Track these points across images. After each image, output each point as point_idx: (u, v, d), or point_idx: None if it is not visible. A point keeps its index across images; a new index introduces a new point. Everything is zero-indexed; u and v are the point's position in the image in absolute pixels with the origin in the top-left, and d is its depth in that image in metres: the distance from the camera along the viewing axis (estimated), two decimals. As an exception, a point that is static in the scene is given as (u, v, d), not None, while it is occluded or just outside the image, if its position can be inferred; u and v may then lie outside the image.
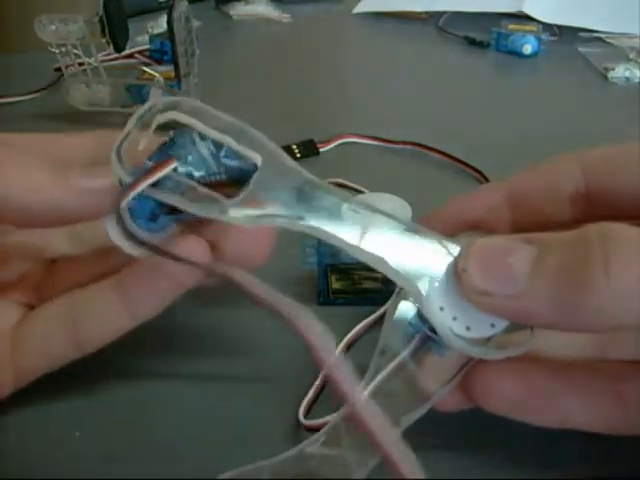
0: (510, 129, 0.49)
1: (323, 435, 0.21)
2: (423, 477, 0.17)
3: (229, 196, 0.20)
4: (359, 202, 0.20)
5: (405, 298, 0.21)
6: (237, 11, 0.79)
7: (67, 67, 0.49)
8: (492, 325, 0.19)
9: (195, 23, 0.50)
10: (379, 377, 0.21)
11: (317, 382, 0.25)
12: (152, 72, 0.51)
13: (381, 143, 0.46)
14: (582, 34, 0.69)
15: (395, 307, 0.21)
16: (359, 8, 0.79)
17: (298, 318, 0.18)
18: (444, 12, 0.75)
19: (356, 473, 0.21)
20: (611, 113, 0.52)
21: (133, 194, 0.20)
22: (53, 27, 0.46)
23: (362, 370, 0.21)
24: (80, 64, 0.49)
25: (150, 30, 0.64)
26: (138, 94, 0.50)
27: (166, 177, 0.20)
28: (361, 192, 0.37)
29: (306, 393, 0.25)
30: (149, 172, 0.20)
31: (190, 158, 0.20)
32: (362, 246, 0.20)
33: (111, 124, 0.48)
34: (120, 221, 0.20)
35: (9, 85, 0.55)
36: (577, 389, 0.21)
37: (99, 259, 0.25)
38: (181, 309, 0.24)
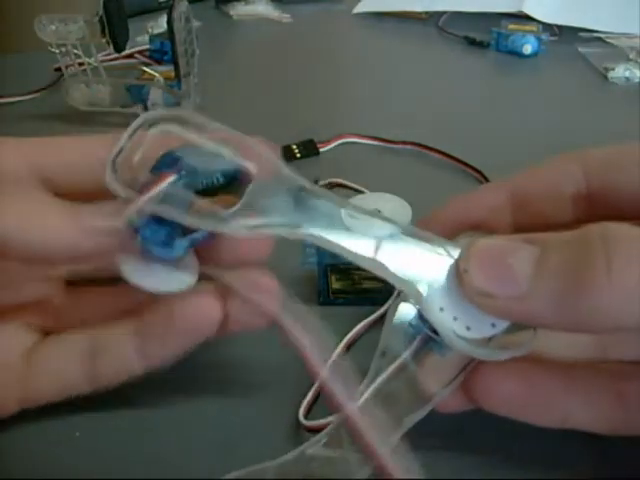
0: (510, 129, 0.49)
1: (325, 436, 0.21)
2: None
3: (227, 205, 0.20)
4: (357, 207, 0.20)
5: (405, 299, 0.21)
6: (237, 11, 0.78)
7: (67, 67, 0.49)
8: (493, 325, 0.19)
9: (195, 23, 0.50)
10: (380, 379, 0.21)
11: (317, 383, 0.25)
12: (152, 72, 0.51)
13: (381, 143, 0.46)
14: (582, 34, 0.69)
15: (395, 308, 0.21)
16: (359, 8, 0.79)
17: (291, 325, 0.19)
18: (444, 12, 0.75)
19: (358, 474, 0.21)
20: (611, 113, 0.52)
21: (135, 209, 0.20)
22: (53, 27, 0.46)
23: (362, 371, 0.21)
24: (80, 64, 0.49)
25: (150, 30, 0.64)
26: (138, 94, 0.50)
27: (163, 191, 0.20)
28: (361, 192, 0.37)
29: (306, 394, 0.25)
30: (147, 187, 0.20)
31: (187, 168, 0.20)
32: (361, 251, 0.20)
33: (111, 124, 0.48)
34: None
35: (9, 85, 0.55)
36: (578, 389, 0.21)
37: (120, 290, 0.25)
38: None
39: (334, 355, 0.27)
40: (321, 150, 0.45)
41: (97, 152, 0.23)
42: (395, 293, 0.29)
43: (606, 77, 0.59)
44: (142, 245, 0.21)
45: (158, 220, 0.20)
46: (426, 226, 0.21)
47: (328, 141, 0.45)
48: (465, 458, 0.23)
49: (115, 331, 0.23)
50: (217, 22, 0.77)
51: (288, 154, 0.43)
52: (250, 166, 0.20)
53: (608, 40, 0.68)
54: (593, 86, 0.58)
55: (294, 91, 0.57)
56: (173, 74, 0.47)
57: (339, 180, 0.39)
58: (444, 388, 0.20)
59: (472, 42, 0.68)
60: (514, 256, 0.18)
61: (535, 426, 0.21)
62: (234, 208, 0.20)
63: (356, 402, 0.21)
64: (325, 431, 0.21)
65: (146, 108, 0.49)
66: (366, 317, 0.29)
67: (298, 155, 0.43)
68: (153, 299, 0.23)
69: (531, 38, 0.64)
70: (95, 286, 0.26)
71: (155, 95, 0.48)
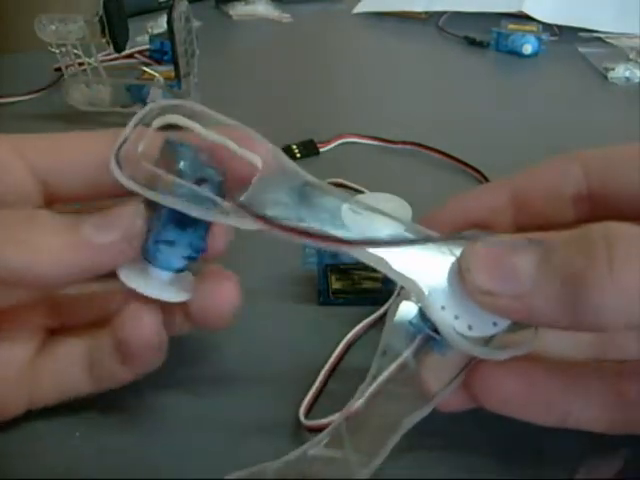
0: (510, 129, 0.49)
1: (326, 437, 0.21)
2: None
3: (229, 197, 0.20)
4: (359, 203, 0.20)
5: (406, 298, 0.21)
6: (237, 11, 0.78)
7: (67, 67, 0.49)
8: (494, 324, 0.19)
9: (195, 23, 0.50)
10: (381, 378, 0.21)
11: (317, 382, 0.25)
12: (152, 72, 0.51)
13: (381, 143, 0.46)
14: (582, 34, 0.69)
15: (396, 307, 0.21)
16: (359, 8, 0.79)
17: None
18: (444, 12, 0.75)
19: (359, 474, 0.21)
20: (611, 113, 0.52)
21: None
22: (53, 27, 0.46)
23: (363, 371, 0.21)
24: (80, 64, 0.49)
25: (150, 30, 0.64)
26: (138, 94, 0.50)
27: (168, 183, 0.20)
28: (361, 192, 0.37)
29: (306, 393, 0.25)
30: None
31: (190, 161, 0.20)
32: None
33: (111, 124, 0.48)
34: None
35: (9, 85, 0.55)
36: (578, 388, 0.21)
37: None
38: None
39: (334, 355, 0.27)
40: (321, 150, 0.45)
41: (98, 149, 0.23)
42: (396, 292, 0.29)
43: (606, 77, 0.59)
44: (142, 252, 0.21)
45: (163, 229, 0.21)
46: (426, 226, 0.21)
47: (328, 141, 0.45)
48: (465, 458, 0.23)
49: (105, 338, 0.23)
50: (217, 22, 0.77)
51: (288, 154, 0.42)
52: (255, 159, 0.20)
53: (608, 40, 0.68)
54: (593, 86, 0.58)
55: (294, 91, 0.57)
56: (173, 74, 0.47)
57: (339, 180, 0.39)
58: (445, 387, 0.20)
59: (472, 42, 0.68)
60: (516, 255, 0.18)
61: (535, 425, 0.21)
62: (237, 200, 0.20)
63: (358, 401, 0.21)
64: (326, 431, 0.21)
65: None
66: (366, 317, 0.29)
67: (298, 155, 0.43)
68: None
69: (531, 38, 0.64)
70: (97, 281, 0.25)
71: (155, 95, 0.48)
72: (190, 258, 0.22)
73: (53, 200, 0.24)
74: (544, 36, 0.64)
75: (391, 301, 0.29)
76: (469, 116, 0.51)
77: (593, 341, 0.23)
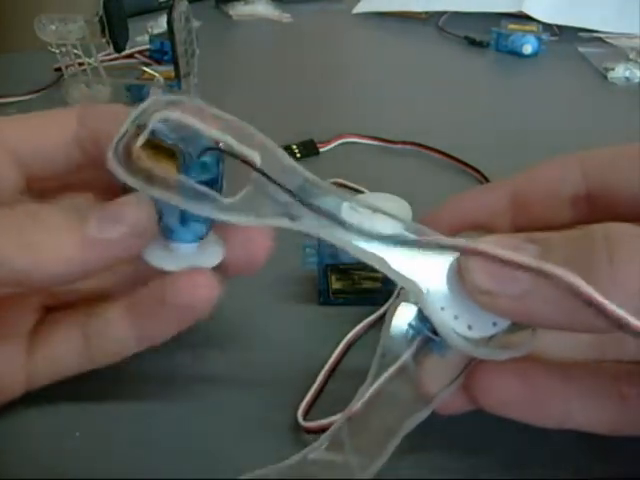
0: (510, 129, 0.49)
1: (326, 440, 0.21)
2: None
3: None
4: (359, 201, 0.20)
5: (405, 300, 0.20)
6: (237, 11, 0.78)
7: (67, 67, 0.49)
8: (494, 324, 0.19)
9: (195, 23, 0.49)
10: (380, 380, 0.21)
11: (317, 383, 0.25)
12: (152, 72, 0.51)
13: (381, 143, 0.46)
14: (582, 34, 0.69)
15: (395, 309, 0.21)
16: (359, 8, 0.79)
17: None
18: (444, 12, 0.75)
19: (360, 476, 0.21)
20: (611, 113, 0.52)
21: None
22: (53, 27, 0.46)
23: (363, 372, 0.21)
24: (80, 64, 0.49)
25: (150, 30, 0.64)
26: (138, 94, 0.50)
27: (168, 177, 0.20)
28: (361, 192, 0.37)
29: (305, 394, 0.25)
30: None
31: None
32: (362, 245, 0.19)
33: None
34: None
35: (9, 85, 0.55)
36: (578, 389, 0.21)
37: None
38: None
39: (334, 355, 0.27)
40: (321, 150, 0.45)
41: (65, 124, 0.23)
42: (395, 293, 0.29)
43: (606, 77, 0.59)
44: (162, 229, 0.21)
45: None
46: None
47: (328, 141, 0.45)
48: (465, 458, 0.23)
49: (109, 309, 0.23)
50: (217, 22, 0.77)
51: (288, 154, 0.43)
52: (254, 155, 0.20)
53: (608, 40, 0.68)
54: (593, 86, 0.58)
55: (294, 91, 0.57)
56: (173, 74, 0.47)
57: (339, 180, 0.39)
58: (445, 389, 0.20)
59: (472, 42, 0.68)
60: (516, 254, 0.18)
61: (535, 426, 0.21)
62: (236, 196, 0.20)
63: (358, 403, 0.21)
64: (326, 434, 0.21)
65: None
66: (366, 317, 0.29)
67: (298, 155, 0.44)
68: (147, 275, 0.22)
69: (531, 38, 0.64)
70: None
71: (155, 95, 0.48)
72: (209, 220, 0.21)
73: (34, 181, 0.23)
74: (544, 36, 0.64)
75: (390, 302, 0.29)
76: (469, 116, 0.51)
77: (593, 342, 0.23)
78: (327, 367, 0.26)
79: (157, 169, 0.20)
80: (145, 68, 0.53)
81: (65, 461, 0.23)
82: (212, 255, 0.22)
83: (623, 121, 0.49)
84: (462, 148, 0.43)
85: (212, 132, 0.20)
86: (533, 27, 0.66)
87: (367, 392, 0.21)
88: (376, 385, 0.21)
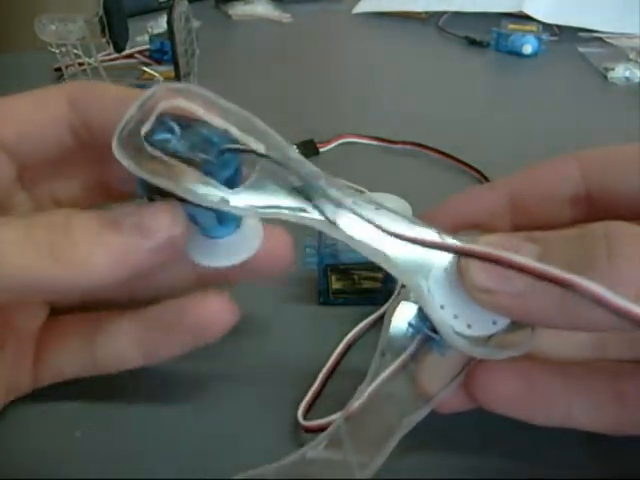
0: (510, 129, 0.49)
1: (325, 439, 0.21)
2: None
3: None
4: (363, 197, 0.20)
5: (405, 299, 0.20)
6: (237, 11, 0.78)
7: (67, 67, 0.49)
8: (494, 322, 0.19)
9: (195, 23, 0.50)
10: (380, 378, 0.21)
11: (317, 383, 0.25)
12: (152, 72, 0.51)
13: (381, 143, 0.46)
14: (582, 34, 0.69)
15: (395, 308, 0.21)
16: (359, 8, 0.79)
17: None
18: (444, 12, 0.75)
19: (360, 475, 0.21)
20: (611, 113, 0.52)
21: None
22: (53, 27, 0.46)
23: (362, 371, 0.21)
24: (80, 64, 0.49)
25: (150, 30, 0.64)
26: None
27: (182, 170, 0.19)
28: (361, 192, 0.37)
29: (305, 394, 0.25)
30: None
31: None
32: (364, 240, 0.19)
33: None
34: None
35: (9, 85, 0.55)
36: (578, 388, 0.21)
37: None
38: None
39: (334, 355, 0.27)
40: (321, 150, 0.45)
41: (52, 105, 0.22)
42: (395, 292, 0.29)
43: (606, 77, 0.59)
44: (199, 227, 0.20)
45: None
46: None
47: (328, 141, 0.45)
48: (464, 458, 0.23)
49: (117, 322, 0.23)
50: (217, 22, 0.77)
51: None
52: (258, 146, 0.20)
53: (608, 40, 0.68)
54: (593, 86, 0.58)
55: (294, 91, 0.57)
56: (173, 74, 0.47)
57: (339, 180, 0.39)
58: (444, 388, 0.20)
59: (472, 42, 0.68)
60: (515, 253, 0.18)
61: (535, 425, 0.21)
62: (240, 187, 0.19)
63: (357, 402, 0.21)
64: (325, 433, 0.21)
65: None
66: (366, 317, 0.29)
67: (298, 155, 0.43)
68: (156, 294, 0.22)
69: (531, 38, 0.64)
70: None
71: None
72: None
73: (24, 168, 0.23)
74: (544, 36, 0.64)
75: (390, 301, 0.29)
76: (469, 116, 0.51)
77: (592, 341, 0.23)
78: (327, 367, 0.26)
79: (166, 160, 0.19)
80: (145, 68, 0.53)
81: (65, 461, 0.23)
82: (253, 238, 0.22)
83: (623, 121, 0.49)
84: (462, 148, 0.43)
85: (215, 121, 0.20)
86: (533, 27, 0.66)
87: (366, 391, 0.21)
88: (375, 384, 0.21)
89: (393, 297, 0.28)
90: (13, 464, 0.23)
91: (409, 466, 0.22)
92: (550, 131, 0.48)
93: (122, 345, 0.23)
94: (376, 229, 0.19)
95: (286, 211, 0.19)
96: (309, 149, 0.44)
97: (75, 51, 0.48)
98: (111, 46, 0.48)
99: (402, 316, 0.20)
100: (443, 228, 0.20)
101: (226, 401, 0.25)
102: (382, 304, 0.29)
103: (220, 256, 0.21)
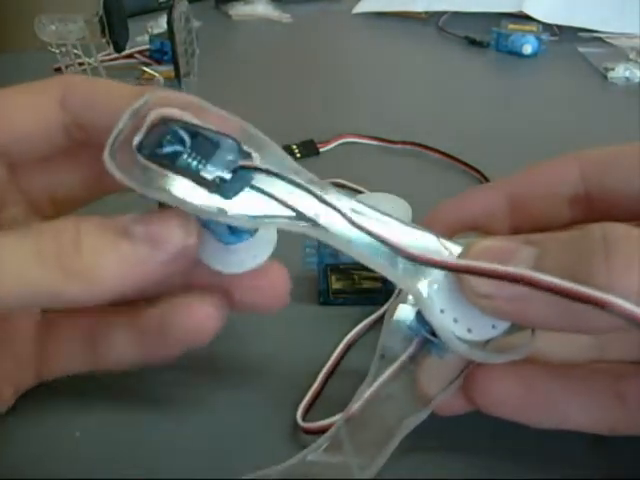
0: (510, 129, 0.49)
1: (325, 441, 0.21)
2: None
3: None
4: (362, 202, 0.20)
5: (404, 301, 0.20)
6: (237, 11, 0.78)
7: (67, 67, 0.49)
8: (493, 326, 0.19)
9: (195, 23, 0.50)
10: (379, 381, 0.21)
11: (316, 384, 0.25)
12: (152, 72, 0.51)
13: (381, 143, 0.46)
14: (582, 34, 0.69)
15: (394, 310, 0.20)
16: (359, 8, 0.79)
17: None
18: (444, 12, 0.75)
19: (360, 477, 0.21)
20: (611, 113, 0.52)
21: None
22: (53, 27, 0.46)
23: (362, 372, 0.21)
24: (80, 64, 0.49)
25: (150, 30, 0.64)
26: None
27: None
28: (361, 192, 0.37)
29: (304, 394, 0.25)
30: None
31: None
32: (362, 248, 0.19)
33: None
34: None
35: (9, 85, 0.55)
36: (577, 390, 0.21)
37: None
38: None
39: (334, 356, 0.27)
40: (321, 150, 0.45)
41: (43, 102, 0.22)
42: (395, 294, 0.29)
43: (606, 77, 0.59)
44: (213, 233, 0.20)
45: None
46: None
47: (328, 141, 0.45)
48: (465, 459, 0.23)
49: (115, 324, 0.23)
50: (217, 22, 0.76)
51: (288, 154, 0.43)
52: (254, 156, 0.20)
53: (608, 40, 0.67)
54: (593, 86, 0.58)
55: (294, 91, 0.57)
56: (173, 74, 0.47)
57: (339, 180, 0.39)
58: (443, 390, 0.20)
59: (472, 42, 0.67)
60: (513, 257, 0.18)
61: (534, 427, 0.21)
62: (236, 197, 0.19)
63: (357, 404, 0.21)
64: (325, 435, 0.21)
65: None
66: (366, 317, 0.29)
67: (298, 155, 0.44)
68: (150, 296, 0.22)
69: (531, 38, 0.64)
70: None
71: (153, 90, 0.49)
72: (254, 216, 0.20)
73: (15, 168, 0.23)
74: (544, 36, 0.64)
75: (390, 302, 0.29)
76: (469, 116, 0.51)
77: (591, 343, 0.23)
78: (327, 367, 0.26)
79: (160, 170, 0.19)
80: (145, 68, 0.53)
81: (65, 461, 0.23)
82: (266, 245, 0.21)
83: (623, 121, 0.49)
84: (462, 148, 0.43)
85: (210, 129, 0.20)
86: (533, 27, 0.66)
87: (366, 393, 0.21)
88: (375, 386, 0.21)
89: (392, 298, 0.28)
90: (13, 464, 0.23)
91: (409, 466, 0.22)
92: (550, 131, 0.48)
93: (121, 345, 0.23)
94: (373, 238, 0.19)
95: (283, 220, 0.19)
96: (309, 149, 0.44)
97: (75, 51, 0.48)
98: (111, 46, 0.48)
99: (401, 318, 0.20)
100: (441, 230, 0.20)
101: (225, 402, 0.25)
102: (382, 304, 0.29)
103: (232, 263, 0.21)
